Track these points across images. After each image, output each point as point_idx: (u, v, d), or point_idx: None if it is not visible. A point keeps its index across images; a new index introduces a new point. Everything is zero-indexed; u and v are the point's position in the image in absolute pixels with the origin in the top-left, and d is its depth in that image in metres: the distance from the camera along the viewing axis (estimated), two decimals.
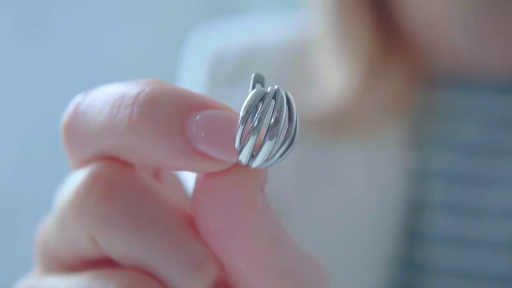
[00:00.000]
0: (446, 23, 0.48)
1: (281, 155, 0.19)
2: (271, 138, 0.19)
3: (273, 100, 0.19)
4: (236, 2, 1.23)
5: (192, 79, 0.55)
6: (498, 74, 0.48)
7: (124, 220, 0.19)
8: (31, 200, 1.15)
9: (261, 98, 0.19)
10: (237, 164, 0.19)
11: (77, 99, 0.21)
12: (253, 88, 0.20)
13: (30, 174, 1.16)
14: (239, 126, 0.18)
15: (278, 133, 0.19)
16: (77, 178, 0.20)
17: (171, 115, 0.19)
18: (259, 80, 0.20)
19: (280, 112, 0.19)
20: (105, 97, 0.20)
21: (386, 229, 0.47)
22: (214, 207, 0.19)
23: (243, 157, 0.19)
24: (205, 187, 0.19)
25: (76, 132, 0.21)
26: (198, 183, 0.20)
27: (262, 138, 0.19)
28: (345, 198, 0.48)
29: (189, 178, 0.21)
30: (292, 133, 0.19)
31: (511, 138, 0.47)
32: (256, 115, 0.19)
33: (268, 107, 0.19)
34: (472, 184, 0.47)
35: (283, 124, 0.19)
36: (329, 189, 0.48)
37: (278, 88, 0.19)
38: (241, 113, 0.19)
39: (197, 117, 0.19)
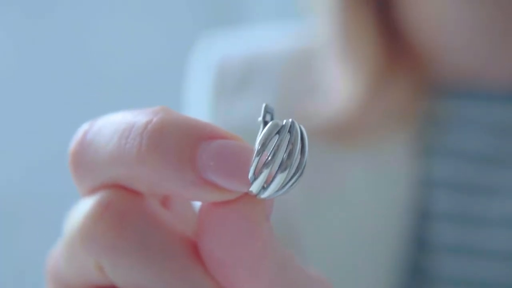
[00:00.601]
0: (451, 33, 0.48)
1: (290, 186, 0.19)
2: (283, 171, 0.19)
3: (288, 133, 0.19)
4: (240, 12, 1.23)
5: (198, 90, 0.55)
6: (502, 83, 0.48)
7: (131, 250, 0.19)
8: (32, 204, 1.15)
9: (277, 131, 0.19)
10: (245, 194, 0.19)
11: (84, 127, 0.21)
12: (263, 118, 0.20)
13: (32, 178, 1.16)
14: (255, 158, 0.19)
15: (290, 166, 0.19)
16: (85, 206, 0.20)
17: (180, 145, 0.19)
18: (269, 111, 0.20)
19: (294, 145, 0.19)
20: (113, 126, 0.20)
21: (392, 237, 0.47)
22: (219, 237, 0.19)
23: (255, 188, 0.19)
24: (210, 216, 0.19)
25: (84, 160, 0.21)
26: (203, 211, 0.20)
27: (275, 170, 0.19)
28: (351, 206, 0.48)
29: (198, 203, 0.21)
30: (303, 165, 0.19)
31: None
32: (271, 149, 0.19)
33: (283, 141, 0.19)
34: (477, 193, 0.47)
35: (296, 157, 0.19)
36: (335, 198, 0.48)
37: (293, 121, 0.19)
38: (257, 146, 0.19)
39: (208, 147, 0.18)
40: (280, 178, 0.19)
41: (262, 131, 0.19)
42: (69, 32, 1.16)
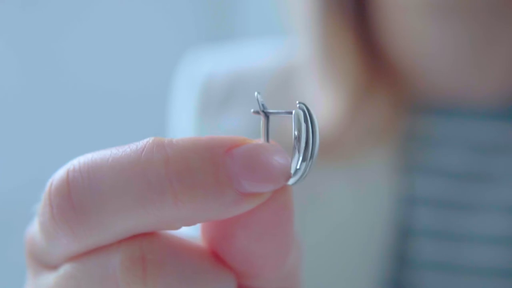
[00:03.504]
0: (431, 52, 0.49)
1: (309, 171, 0.20)
2: (307, 159, 0.20)
3: (304, 123, 0.20)
4: (232, 28, 1.24)
5: (183, 106, 0.56)
6: (482, 101, 0.49)
7: (175, 282, 0.19)
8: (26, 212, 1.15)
9: (304, 121, 0.20)
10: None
11: (68, 172, 0.19)
12: (263, 110, 0.20)
13: (29, 185, 1.16)
14: (297, 155, 0.19)
15: (312, 153, 0.20)
16: (107, 269, 0.19)
17: (209, 174, 0.18)
18: (261, 100, 0.20)
19: (313, 133, 0.20)
20: (117, 172, 0.19)
21: (374, 253, 0.48)
22: (257, 229, 0.19)
23: (293, 180, 0.20)
24: (244, 213, 0.19)
25: (85, 211, 0.19)
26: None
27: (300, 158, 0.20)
28: (332, 222, 0.48)
29: None
30: (316, 149, 0.20)
31: (495, 164, 0.48)
32: (302, 139, 0.19)
33: (308, 131, 0.20)
34: (458, 209, 0.48)
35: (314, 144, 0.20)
36: (318, 214, 0.48)
37: (309, 110, 0.20)
38: (297, 143, 0.19)
39: (235, 164, 0.18)
40: (305, 166, 0.20)
41: (295, 125, 0.19)
42: (64, 56, 1.17)
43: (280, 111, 0.20)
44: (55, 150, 1.17)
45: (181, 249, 0.20)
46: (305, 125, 0.20)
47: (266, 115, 0.20)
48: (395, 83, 0.50)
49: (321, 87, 0.49)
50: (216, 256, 0.21)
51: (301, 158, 0.19)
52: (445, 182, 0.48)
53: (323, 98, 0.49)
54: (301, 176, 0.20)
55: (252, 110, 0.20)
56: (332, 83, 0.49)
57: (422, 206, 0.48)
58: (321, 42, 0.49)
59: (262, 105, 0.20)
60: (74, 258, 0.20)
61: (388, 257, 0.48)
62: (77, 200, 0.19)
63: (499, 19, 0.47)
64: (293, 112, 0.20)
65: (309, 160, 0.19)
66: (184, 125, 0.55)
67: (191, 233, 0.22)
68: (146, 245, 0.19)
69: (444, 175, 0.48)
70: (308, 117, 0.20)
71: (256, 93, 0.20)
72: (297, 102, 0.20)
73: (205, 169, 0.18)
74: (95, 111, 1.18)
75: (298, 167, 0.19)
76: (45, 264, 0.21)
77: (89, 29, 1.18)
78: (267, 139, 0.20)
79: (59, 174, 0.19)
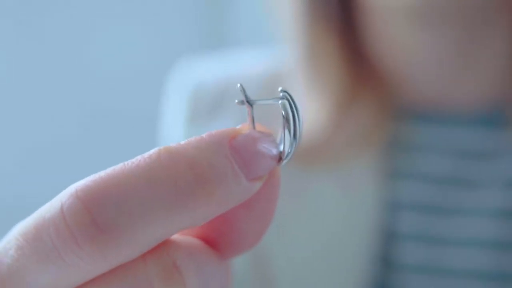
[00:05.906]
0: (415, 59, 0.49)
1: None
2: (296, 140, 0.21)
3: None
4: (223, 37, 1.24)
5: (173, 113, 0.57)
6: (465, 107, 0.50)
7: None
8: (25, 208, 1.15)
9: (289, 106, 0.21)
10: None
11: (82, 192, 0.18)
12: (247, 99, 0.21)
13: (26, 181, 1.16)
14: (286, 137, 0.21)
15: (300, 135, 0.21)
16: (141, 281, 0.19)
17: (228, 168, 0.19)
18: (243, 90, 0.21)
19: (298, 117, 0.21)
20: (143, 183, 0.18)
21: (359, 257, 0.48)
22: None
23: (285, 161, 0.21)
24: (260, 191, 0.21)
25: (116, 231, 0.18)
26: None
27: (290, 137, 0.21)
28: (318, 226, 0.49)
29: None
30: (301, 132, 0.21)
31: (478, 169, 0.49)
32: (291, 123, 0.21)
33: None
34: (441, 214, 0.48)
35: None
36: (303, 217, 0.49)
37: (292, 96, 0.21)
38: (293, 130, 0.21)
39: (238, 155, 0.19)
40: (295, 146, 0.21)
41: (288, 113, 0.21)
42: (58, 60, 1.17)
43: (263, 99, 0.22)
44: (52, 153, 1.17)
45: (193, 246, 0.21)
46: (290, 110, 0.21)
47: (250, 104, 0.21)
48: (380, 89, 0.50)
49: (307, 93, 0.50)
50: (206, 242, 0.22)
51: (292, 140, 0.21)
52: (429, 187, 0.49)
53: (310, 103, 0.50)
54: (291, 157, 0.21)
55: (236, 101, 0.21)
56: (318, 89, 0.49)
57: (407, 211, 0.49)
58: (307, 48, 0.50)
59: (246, 95, 0.21)
60: (92, 283, 0.19)
61: (373, 261, 0.48)
62: (102, 220, 0.18)
63: (484, 26, 0.48)
64: (280, 99, 0.21)
65: (297, 142, 0.21)
66: (174, 133, 0.55)
67: None
68: (173, 253, 0.20)
69: (428, 180, 0.49)
70: (292, 102, 0.21)
71: (239, 85, 0.21)
72: (280, 89, 0.21)
73: (224, 164, 0.19)
74: (87, 119, 1.18)
75: (289, 150, 0.21)
76: None
77: (82, 37, 1.18)
78: (253, 127, 0.21)
79: (69, 195, 0.19)
